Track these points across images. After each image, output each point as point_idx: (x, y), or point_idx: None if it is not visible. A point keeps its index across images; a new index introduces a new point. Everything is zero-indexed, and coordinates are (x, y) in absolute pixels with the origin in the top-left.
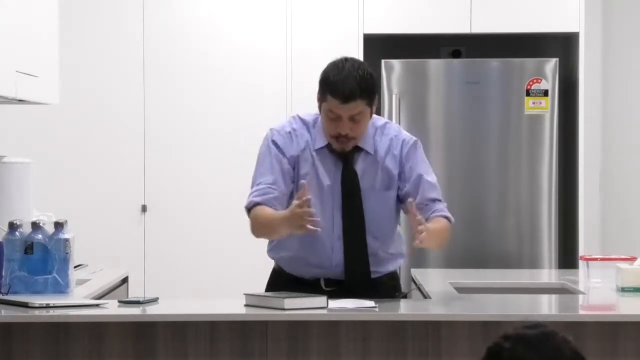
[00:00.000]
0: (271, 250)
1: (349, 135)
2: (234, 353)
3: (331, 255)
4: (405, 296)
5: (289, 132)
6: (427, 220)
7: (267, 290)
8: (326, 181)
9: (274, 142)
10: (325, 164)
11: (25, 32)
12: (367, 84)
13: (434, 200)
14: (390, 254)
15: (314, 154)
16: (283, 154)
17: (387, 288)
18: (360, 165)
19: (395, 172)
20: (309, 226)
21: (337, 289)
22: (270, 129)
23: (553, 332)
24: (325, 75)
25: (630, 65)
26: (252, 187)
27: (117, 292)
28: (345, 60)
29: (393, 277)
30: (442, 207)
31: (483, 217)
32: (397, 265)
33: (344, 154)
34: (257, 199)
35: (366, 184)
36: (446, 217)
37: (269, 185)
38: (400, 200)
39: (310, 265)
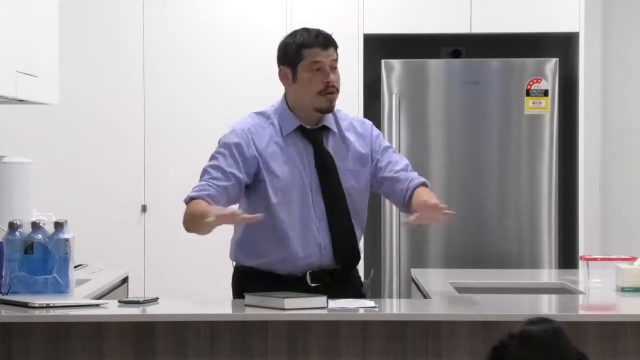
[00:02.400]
0: (244, 256)
1: (335, 84)
2: (234, 353)
3: (317, 236)
4: (369, 286)
5: (249, 129)
6: (407, 190)
7: (235, 292)
8: (300, 165)
9: (234, 143)
10: (296, 149)
11: (25, 32)
12: (331, 35)
13: (406, 169)
14: (359, 238)
15: (282, 141)
16: (239, 151)
17: (357, 277)
18: (330, 146)
19: (366, 150)
20: (245, 216)
21: (322, 284)
22: (228, 129)
23: (560, 329)
24: (290, 41)
25: (630, 65)
26: (201, 178)
27: (117, 292)
28: (299, 29)
29: (357, 269)
30: (415, 175)
31: (483, 217)
32: (361, 250)
33: (313, 135)
34: (193, 194)
35: (339, 163)
36: (424, 184)
37: (209, 181)
38: (372, 181)
39: (299, 260)
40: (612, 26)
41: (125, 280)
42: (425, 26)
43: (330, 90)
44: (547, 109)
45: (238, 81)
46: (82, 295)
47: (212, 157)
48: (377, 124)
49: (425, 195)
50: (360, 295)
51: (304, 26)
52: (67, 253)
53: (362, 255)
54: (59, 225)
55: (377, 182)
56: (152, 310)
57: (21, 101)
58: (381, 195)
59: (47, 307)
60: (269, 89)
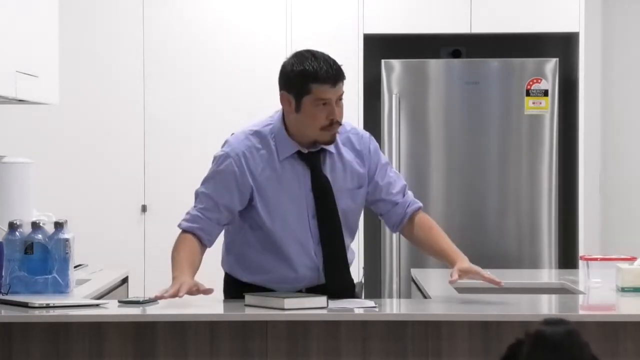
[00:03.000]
0: (241, 272)
1: (339, 120)
2: (234, 353)
3: (316, 260)
4: (362, 286)
5: (244, 154)
6: (405, 216)
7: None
8: (297, 190)
9: (227, 171)
10: (293, 173)
11: (25, 32)
12: (340, 67)
13: (403, 191)
14: (351, 241)
15: (279, 165)
16: (233, 181)
17: (351, 286)
18: (327, 168)
19: (363, 170)
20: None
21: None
22: (223, 151)
23: (574, 331)
24: (300, 69)
25: (630, 65)
26: (195, 204)
27: (117, 292)
28: (304, 51)
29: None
30: (411, 198)
31: (483, 217)
32: (353, 254)
33: (311, 158)
34: (185, 225)
35: (337, 185)
36: (419, 208)
37: (201, 212)
38: (369, 200)
39: (297, 280)
40: (612, 26)
41: (125, 280)
42: (425, 26)
43: (334, 127)
44: (547, 109)
45: (238, 81)
46: (82, 295)
47: (205, 181)
48: (377, 124)
49: (434, 231)
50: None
51: (309, 49)
52: (67, 253)
53: (354, 257)
54: (59, 225)
55: (373, 201)
56: (152, 310)
57: (21, 101)
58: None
59: (47, 307)
60: (268, 90)
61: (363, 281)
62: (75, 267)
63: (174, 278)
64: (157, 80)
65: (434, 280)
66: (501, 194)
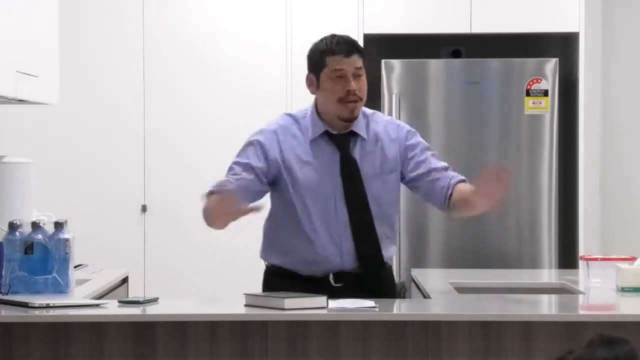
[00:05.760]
0: (270, 255)
1: (357, 93)
2: (234, 353)
3: (340, 245)
4: (404, 286)
5: (275, 132)
6: (448, 189)
7: (264, 290)
8: (324, 171)
9: (258, 142)
10: (322, 154)
11: (25, 32)
12: (357, 42)
13: (446, 168)
14: (392, 238)
15: (309, 146)
16: (263, 150)
17: (388, 281)
18: (357, 152)
19: (397, 155)
20: (246, 207)
21: (345, 284)
22: (258, 129)
23: (634, 353)
24: (317, 47)
25: (630, 65)
26: (226, 174)
27: (117, 292)
28: (327, 35)
29: (391, 269)
30: (454, 173)
31: (483, 217)
32: (394, 251)
33: (341, 140)
34: (214, 189)
35: (366, 170)
36: (463, 180)
37: (230, 177)
38: (409, 181)
39: (319, 263)
40: (612, 26)
41: (125, 280)
42: (425, 26)
43: (351, 99)
44: (547, 109)
45: (238, 80)
46: (82, 295)
47: (237, 154)
48: None
49: (469, 188)
50: (393, 295)
51: (332, 33)
52: (67, 253)
53: (393, 255)
54: (59, 225)
55: (412, 180)
56: (152, 310)
57: (21, 101)
58: (421, 197)
59: (47, 307)
60: (269, 90)
61: (405, 284)
62: (75, 267)
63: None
64: (157, 80)
65: (434, 280)
66: None
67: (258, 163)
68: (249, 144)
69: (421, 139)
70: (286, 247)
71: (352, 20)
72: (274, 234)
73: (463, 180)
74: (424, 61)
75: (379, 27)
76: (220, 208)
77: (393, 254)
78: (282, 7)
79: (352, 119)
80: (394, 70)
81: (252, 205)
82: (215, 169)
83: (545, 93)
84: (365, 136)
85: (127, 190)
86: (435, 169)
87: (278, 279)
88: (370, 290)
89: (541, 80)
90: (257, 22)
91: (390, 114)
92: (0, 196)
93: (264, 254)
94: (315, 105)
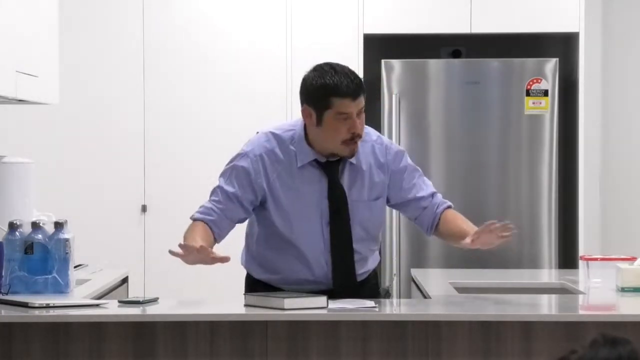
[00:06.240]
0: (256, 270)
1: (360, 133)
2: (234, 353)
3: (326, 269)
4: (388, 291)
5: (261, 156)
6: (435, 217)
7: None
8: (313, 198)
9: (243, 168)
10: (310, 181)
11: (25, 32)
12: (361, 79)
13: (433, 194)
14: (372, 250)
15: (296, 172)
16: (247, 179)
17: (371, 286)
18: (345, 178)
19: (384, 181)
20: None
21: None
22: (243, 150)
23: (634, 354)
24: (319, 82)
25: (630, 66)
26: (209, 198)
27: (117, 292)
28: (324, 64)
29: (375, 275)
30: (440, 200)
31: (483, 217)
32: (377, 260)
33: (329, 167)
34: (198, 216)
35: (354, 196)
36: (449, 207)
37: (214, 205)
38: (394, 205)
39: (308, 282)
40: (612, 26)
41: (125, 280)
42: (425, 26)
43: (355, 140)
44: (547, 109)
45: (238, 80)
46: (82, 295)
47: (222, 175)
48: (377, 124)
49: (458, 220)
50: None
51: (329, 62)
52: (67, 253)
53: (376, 265)
54: (59, 225)
55: (399, 204)
56: (152, 310)
57: (21, 101)
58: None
59: (47, 307)
60: (269, 89)
61: (390, 289)
62: (75, 267)
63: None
64: (157, 81)
65: (434, 280)
66: (501, 194)
67: (243, 192)
68: (234, 168)
69: (409, 161)
70: (273, 265)
71: (352, 20)
72: (260, 251)
73: (449, 207)
74: (424, 61)
75: (379, 27)
76: (190, 255)
77: (377, 261)
78: (282, 6)
79: (352, 156)
80: (394, 70)
81: (220, 256)
82: (214, 169)
83: (545, 93)
84: (354, 161)
85: (127, 190)
86: (423, 198)
87: (261, 288)
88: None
89: (541, 80)
90: (257, 22)
91: (390, 114)
92: (0, 196)
93: (248, 265)
94: (305, 132)
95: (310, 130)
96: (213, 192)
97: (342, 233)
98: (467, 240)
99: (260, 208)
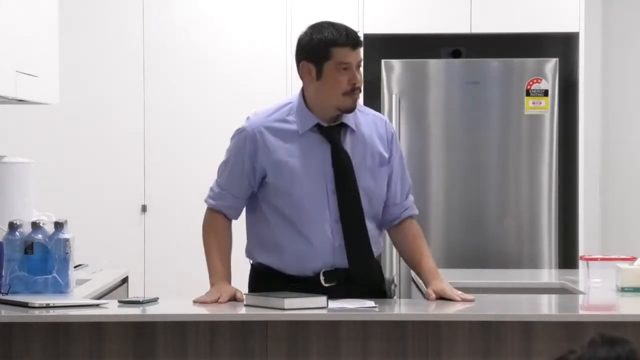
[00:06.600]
0: (257, 253)
1: (360, 85)
2: (234, 353)
3: (332, 239)
4: (393, 281)
5: (260, 131)
6: (398, 219)
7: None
8: (316, 165)
9: (240, 143)
10: (312, 147)
11: (25, 32)
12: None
13: (406, 194)
14: (378, 235)
15: (298, 140)
16: (254, 156)
17: (377, 277)
18: (348, 144)
19: (385, 152)
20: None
21: (336, 284)
22: (242, 126)
23: (633, 354)
24: (319, 36)
25: (630, 66)
26: (217, 178)
27: (117, 292)
28: (322, 22)
29: (379, 263)
30: (410, 203)
31: (483, 217)
32: (381, 246)
33: (330, 132)
34: (213, 203)
35: (357, 162)
36: (413, 216)
37: (222, 188)
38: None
39: (310, 259)
40: (612, 26)
41: (125, 280)
42: (425, 26)
43: (356, 92)
44: (547, 109)
45: (238, 80)
46: (82, 295)
47: (225, 153)
48: None
49: (418, 239)
50: (382, 293)
51: (328, 20)
52: (67, 253)
53: (380, 251)
54: (59, 225)
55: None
56: (152, 310)
57: (21, 101)
58: None
59: (47, 307)
60: (269, 89)
61: (394, 279)
62: (75, 267)
63: (212, 284)
64: (157, 80)
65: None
66: (501, 194)
67: (243, 168)
68: (234, 145)
69: (400, 148)
70: (276, 244)
71: (352, 20)
72: (262, 231)
73: (413, 215)
74: (424, 61)
75: (379, 27)
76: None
77: (381, 249)
78: (282, 6)
79: (353, 110)
80: (394, 70)
81: (237, 296)
82: (214, 169)
83: (545, 93)
84: (354, 128)
85: (127, 190)
86: (398, 194)
87: (264, 282)
88: (360, 285)
89: (541, 80)
90: (257, 22)
91: (390, 114)
92: (0, 196)
93: (250, 252)
94: (303, 97)
95: (310, 90)
96: (218, 171)
97: (350, 200)
98: (431, 297)
99: (262, 184)
